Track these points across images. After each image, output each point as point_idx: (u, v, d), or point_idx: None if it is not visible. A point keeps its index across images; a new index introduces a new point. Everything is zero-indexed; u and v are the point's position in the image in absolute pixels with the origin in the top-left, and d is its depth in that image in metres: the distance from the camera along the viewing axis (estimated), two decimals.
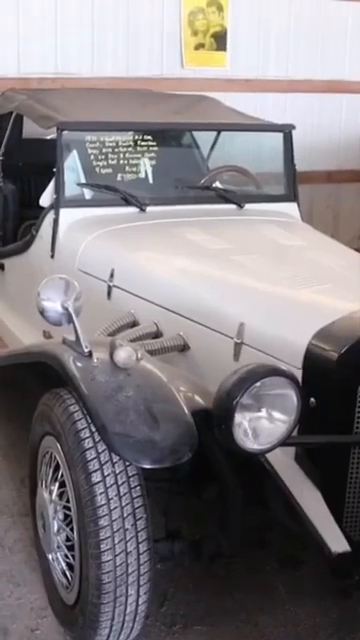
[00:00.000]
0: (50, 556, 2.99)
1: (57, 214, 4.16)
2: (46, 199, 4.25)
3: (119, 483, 2.65)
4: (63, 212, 4.16)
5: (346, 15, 7.24)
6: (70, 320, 2.79)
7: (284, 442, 2.61)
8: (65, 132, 4.18)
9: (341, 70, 7.33)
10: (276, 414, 2.58)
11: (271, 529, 2.95)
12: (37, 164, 4.98)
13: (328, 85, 7.25)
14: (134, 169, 4.58)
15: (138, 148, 4.60)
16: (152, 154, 4.66)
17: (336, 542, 2.66)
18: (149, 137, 4.63)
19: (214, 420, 2.58)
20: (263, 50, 7.01)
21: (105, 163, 4.46)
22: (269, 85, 7.04)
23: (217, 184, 4.62)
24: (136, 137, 4.59)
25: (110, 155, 4.47)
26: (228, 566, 3.30)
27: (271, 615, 3.15)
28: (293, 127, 4.55)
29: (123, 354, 2.71)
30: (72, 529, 2.80)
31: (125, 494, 2.65)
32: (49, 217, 4.23)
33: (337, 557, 2.64)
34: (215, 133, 4.98)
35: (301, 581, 3.29)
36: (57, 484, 2.89)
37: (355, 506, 2.77)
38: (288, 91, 7.10)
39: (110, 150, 4.48)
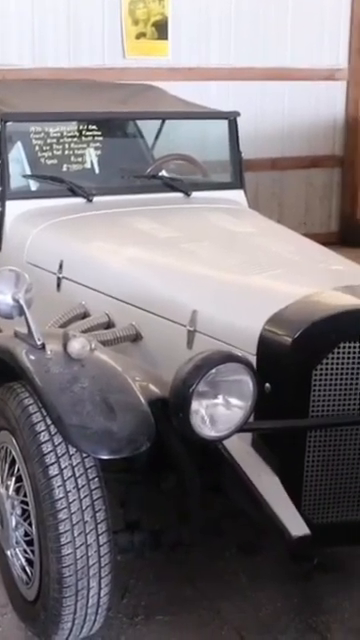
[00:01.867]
0: (9, 552, 2.96)
1: (3, 207, 4.12)
2: None
3: (77, 475, 2.62)
4: (9, 204, 4.12)
5: (286, 2, 7.26)
6: (22, 312, 2.76)
7: (241, 428, 2.61)
8: (9, 123, 4.14)
9: (283, 57, 7.35)
10: (233, 400, 2.58)
11: (230, 516, 2.95)
12: None
13: (270, 72, 7.27)
14: (79, 159, 4.55)
15: (83, 138, 4.57)
16: (97, 144, 4.63)
17: (296, 526, 2.66)
18: (94, 127, 4.61)
19: (171, 408, 2.57)
20: (205, 38, 7.01)
21: (50, 154, 4.42)
22: (211, 73, 7.04)
23: (163, 173, 4.60)
24: (81, 127, 4.57)
25: (55, 146, 4.44)
26: (188, 555, 3.30)
27: (232, 602, 3.15)
28: (238, 114, 4.54)
29: (77, 345, 2.68)
30: (30, 524, 2.77)
31: (83, 486, 2.62)
32: None
33: (297, 541, 2.65)
34: (160, 122, 4.96)
35: (261, 567, 3.30)
36: (14, 479, 2.86)
37: (313, 489, 2.78)
38: (230, 79, 7.11)
39: (55, 141, 4.44)
